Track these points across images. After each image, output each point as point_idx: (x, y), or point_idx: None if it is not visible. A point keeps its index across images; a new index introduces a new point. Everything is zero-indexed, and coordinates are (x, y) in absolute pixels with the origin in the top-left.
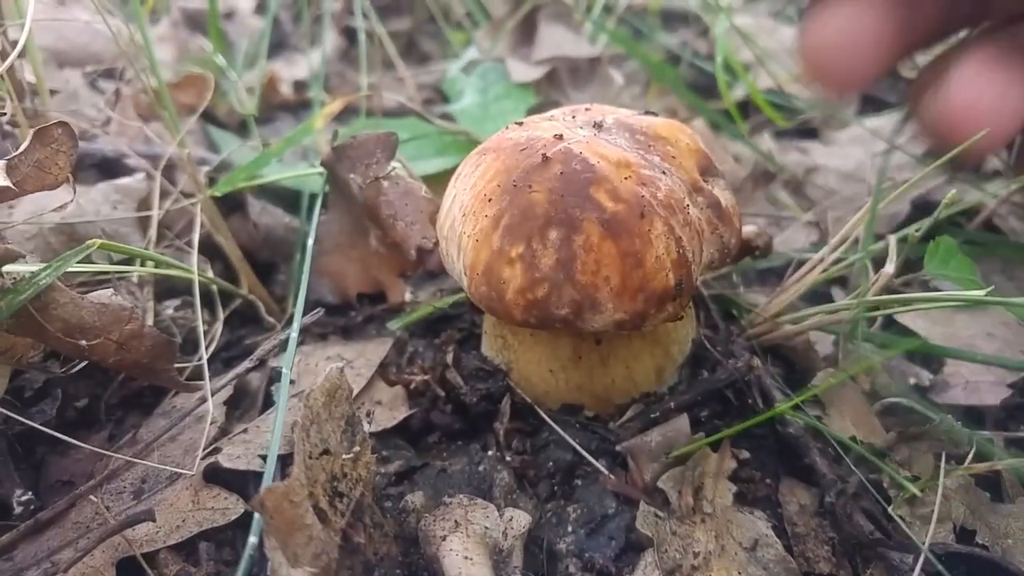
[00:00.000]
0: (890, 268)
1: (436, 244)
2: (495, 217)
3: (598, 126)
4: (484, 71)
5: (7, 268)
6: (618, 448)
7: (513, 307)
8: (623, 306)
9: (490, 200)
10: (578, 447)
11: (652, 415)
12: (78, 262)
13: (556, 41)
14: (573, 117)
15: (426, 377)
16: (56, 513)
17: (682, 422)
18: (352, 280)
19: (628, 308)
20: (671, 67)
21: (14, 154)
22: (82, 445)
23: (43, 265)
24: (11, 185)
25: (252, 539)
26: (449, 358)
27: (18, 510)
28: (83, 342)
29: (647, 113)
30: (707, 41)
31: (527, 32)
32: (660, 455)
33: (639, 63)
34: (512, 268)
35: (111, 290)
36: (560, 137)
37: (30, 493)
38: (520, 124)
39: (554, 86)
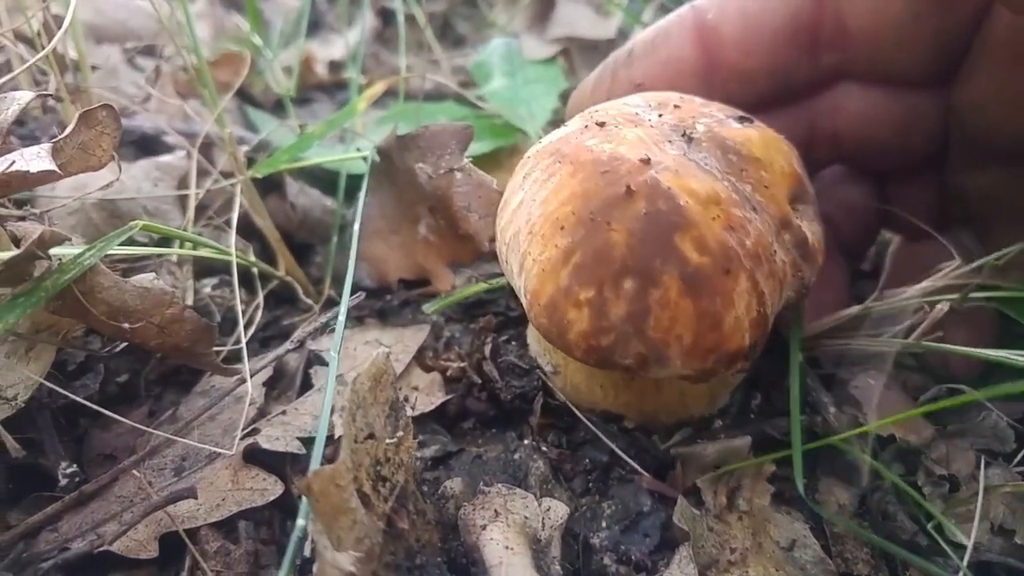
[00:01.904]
0: None
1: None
2: (566, 250)
3: (688, 138)
4: (509, 53)
5: (53, 250)
6: (672, 452)
7: (573, 347)
8: (691, 364)
9: (563, 228)
10: (616, 449)
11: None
12: (120, 243)
13: (572, 19)
14: (660, 116)
15: (463, 364)
16: (100, 486)
17: (743, 443)
18: (393, 266)
19: (696, 366)
20: None
21: (60, 137)
22: (125, 420)
23: (87, 247)
24: (56, 168)
25: (300, 521)
26: (487, 350)
27: (63, 482)
28: (126, 325)
29: (743, 119)
30: None
31: (546, 8)
32: (711, 468)
33: None
34: (579, 311)
35: (153, 274)
36: (647, 162)
37: (75, 466)
38: (601, 125)
39: (567, 65)
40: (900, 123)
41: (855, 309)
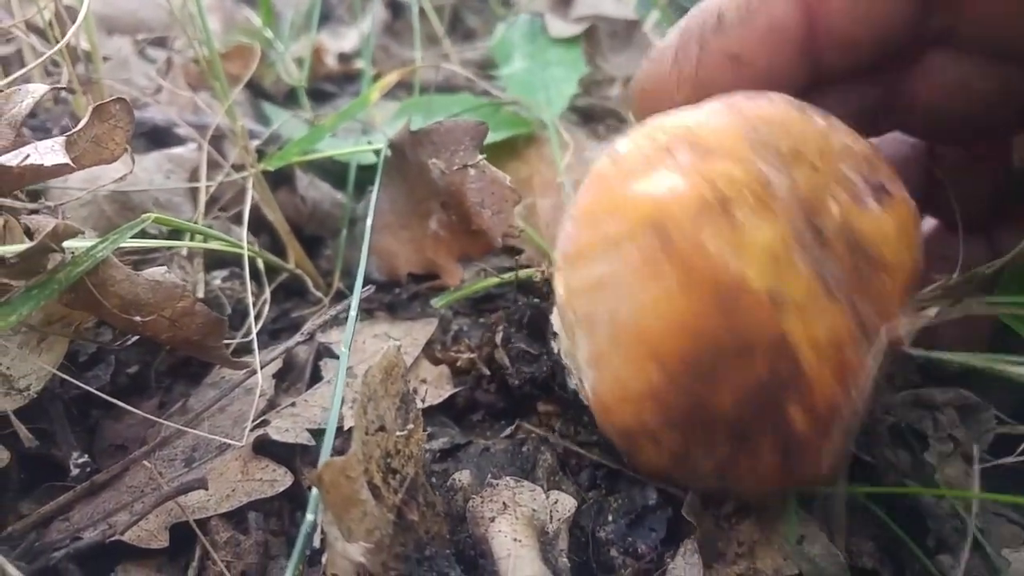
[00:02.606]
0: None
1: (520, 232)
2: (658, 388)
3: (820, 235)
4: (532, 31)
5: (66, 243)
6: None
7: (640, 469)
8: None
9: (660, 363)
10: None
11: None
12: (132, 236)
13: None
14: (791, 181)
15: (472, 356)
16: (111, 476)
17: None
18: (403, 260)
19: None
20: None
21: (73, 130)
22: (136, 411)
23: (99, 239)
24: (69, 162)
25: (309, 516)
26: (499, 338)
27: (75, 472)
28: (138, 318)
29: (880, 192)
30: None
31: None
32: None
33: None
34: (658, 451)
35: (165, 268)
36: (776, 303)
37: (86, 456)
38: (723, 203)
39: (592, 46)
40: (995, 97)
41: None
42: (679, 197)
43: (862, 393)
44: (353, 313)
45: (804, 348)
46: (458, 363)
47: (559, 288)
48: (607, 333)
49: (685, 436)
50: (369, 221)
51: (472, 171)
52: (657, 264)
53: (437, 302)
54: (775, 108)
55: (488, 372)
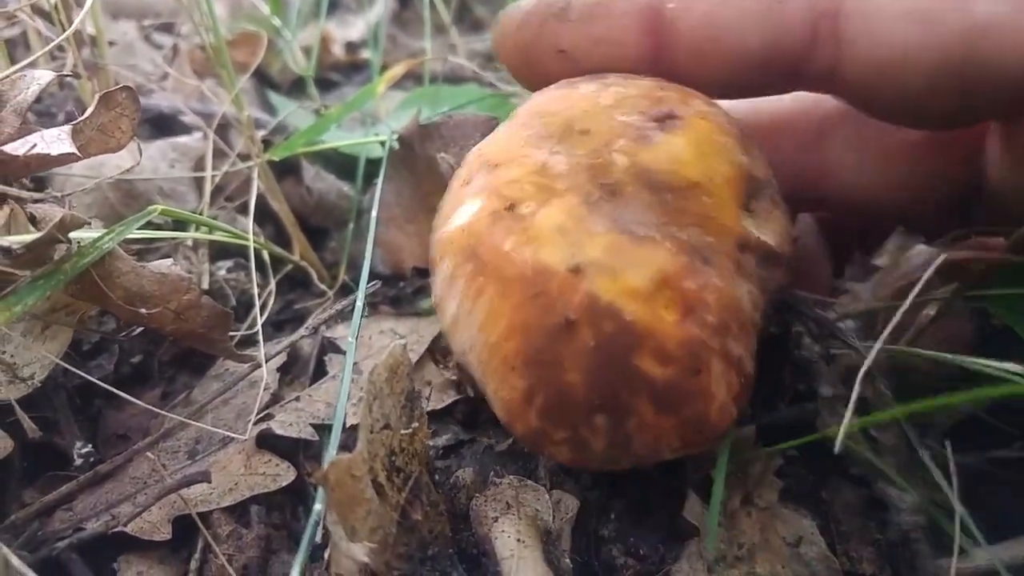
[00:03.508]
0: None
1: None
2: (525, 393)
3: (611, 192)
4: None
5: (72, 233)
6: None
7: (565, 463)
8: (686, 452)
9: (513, 368)
10: None
11: None
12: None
13: None
14: (569, 156)
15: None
16: (114, 467)
17: (749, 431)
18: (408, 254)
19: (691, 451)
20: None
21: (79, 119)
22: (138, 402)
23: (105, 231)
24: (75, 151)
25: (317, 506)
26: None
27: (78, 461)
28: (143, 310)
29: (666, 120)
30: None
31: None
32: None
33: None
34: (559, 447)
35: (170, 260)
36: (576, 271)
37: (90, 446)
38: (511, 208)
39: None
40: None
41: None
42: (477, 219)
43: (737, 314)
44: (359, 308)
45: (623, 301)
46: (455, 377)
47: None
48: (476, 361)
49: (568, 425)
50: (374, 214)
51: None
52: (478, 284)
53: (428, 304)
54: (555, 94)
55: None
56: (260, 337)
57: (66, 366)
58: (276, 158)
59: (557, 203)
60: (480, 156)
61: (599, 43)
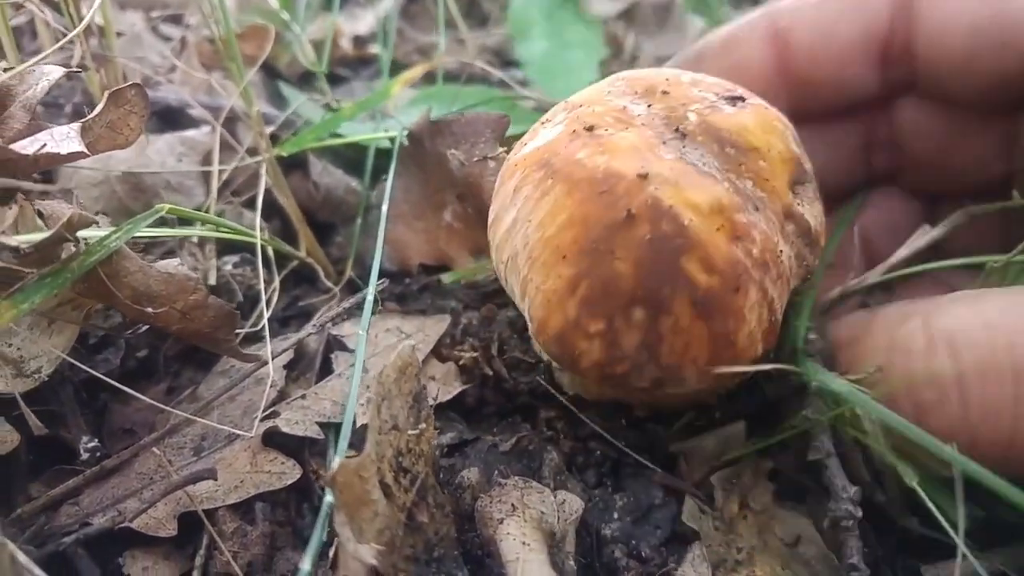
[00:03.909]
0: None
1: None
2: (571, 281)
3: (682, 134)
4: (551, 9)
5: (80, 232)
6: (671, 449)
7: (587, 374)
8: (707, 380)
9: (565, 257)
10: (623, 447)
11: (702, 422)
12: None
13: None
14: (649, 106)
15: (475, 355)
16: (120, 462)
17: (738, 428)
18: (415, 250)
19: (713, 382)
20: None
21: (89, 116)
22: (143, 398)
23: (113, 229)
24: (85, 149)
25: (328, 498)
26: (494, 348)
27: (84, 456)
28: (149, 309)
29: (735, 100)
30: None
31: None
32: (713, 459)
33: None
34: (590, 342)
35: (177, 260)
36: (645, 177)
37: (96, 440)
38: (589, 129)
39: (632, 24)
40: (961, 146)
41: (854, 283)
42: (555, 138)
43: (776, 260)
44: (368, 304)
45: (682, 208)
46: (462, 361)
47: (494, 260)
48: (525, 260)
49: (606, 314)
50: (384, 209)
51: (492, 163)
52: (545, 187)
53: (447, 278)
54: (637, 72)
55: (491, 372)
56: (267, 334)
57: (72, 361)
58: (285, 153)
59: (633, 131)
60: (563, 104)
61: (733, 70)
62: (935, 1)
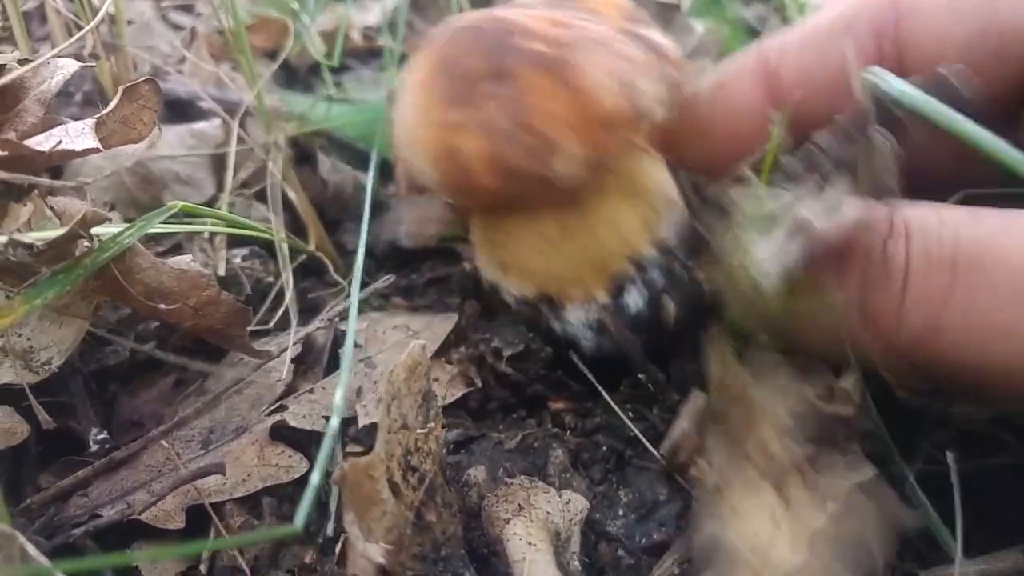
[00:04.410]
0: None
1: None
2: (432, 91)
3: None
4: None
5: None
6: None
7: (482, 176)
8: (584, 138)
9: (430, 83)
10: (636, 431)
11: None
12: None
13: None
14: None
15: (471, 365)
16: (129, 454)
17: None
18: (434, 225)
19: (590, 139)
20: (749, 39)
21: (103, 112)
22: (166, 378)
23: (126, 226)
24: (98, 145)
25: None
26: (489, 357)
27: (93, 448)
28: (162, 305)
29: None
30: (782, 19)
31: None
32: None
33: (715, 29)
34: (465, 133)
35: (190, 256)
36: (480, 20)
37: (105, 432)
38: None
39: None
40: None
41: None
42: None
43: (614, 43)
44: (354, 307)
45: (516, 16)
46: (460, 369)
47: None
48: (409, 118)
49: (465, 98)
50: (366, 204)
51: None
52: (413, 60)
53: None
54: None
55: (480, 384)
56: (292, 325)
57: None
58: (292, 132)
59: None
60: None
61: (728, 113)
62: (921, 23)
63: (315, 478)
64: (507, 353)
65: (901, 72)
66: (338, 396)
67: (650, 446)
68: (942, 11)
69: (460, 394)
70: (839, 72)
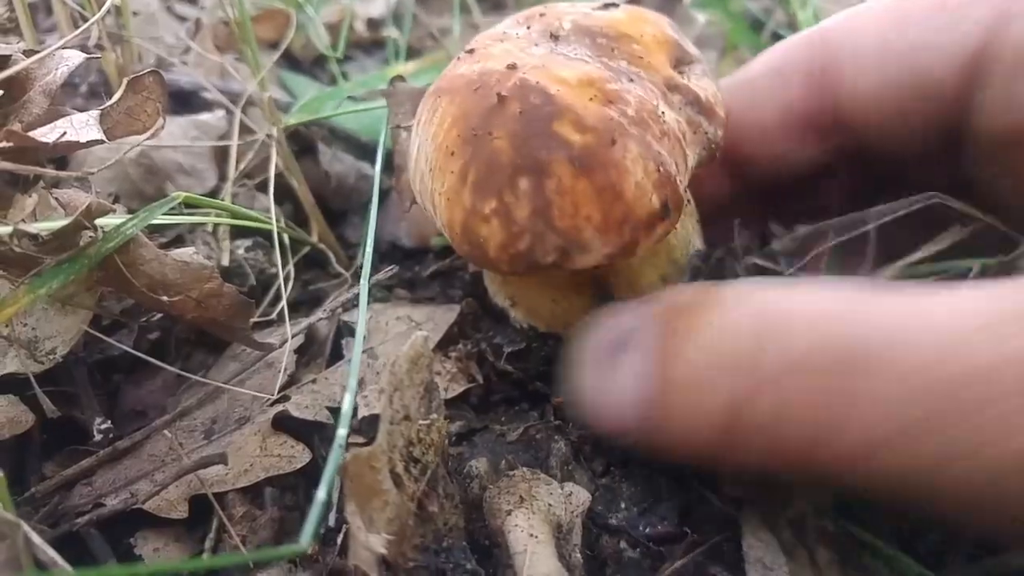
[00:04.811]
0: None
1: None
2: (461, 173)
3: (555, 37)
4: None
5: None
6: None
7: (498, 262)
8: (611, 241)
9: (453, 154)
10: None
11: None
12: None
13: None
14: (528, 28)
15: (469, 362)
16: (133, 444)
17: None
18: (433, 225)
19: (616, 241)
20: (753, 32)
21: (108, 103)
22: (169, 368)
23: (129, 216)
24: (103, 137)
25: (321, 495)
26: (489, 355)
27: (97, 437)
28: (165, 297)
29: (608, 6)
30: (787, 13)
31: None
32: None
33: (720, 23)
34: (489, 225)
35: (193, 248)
36: (513, 67)
37: (109, 422)
38: (471, 52)
39: None
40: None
41: None
42: (443, 71)
43: (658, 121)
44: (363, 300)
45: (549, 83)
46: (460, 366)
47: (419, 200)
48: (428, 175)
49: (495, 191)
50: (375, 199)
51: (404, 133)
52: (436, 105)
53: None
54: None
55: (481, 380)
56: (286, 317)
57: (95, 333)
58: (292, 122)
59: (509, 42)
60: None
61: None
62: (852, 68)
63: (321, 493)
64: (508, 350)
65: (834, 109)
66: (346, 403)
67: None
68: (871, 59)
69: (462, 389)
70: (768, 117)
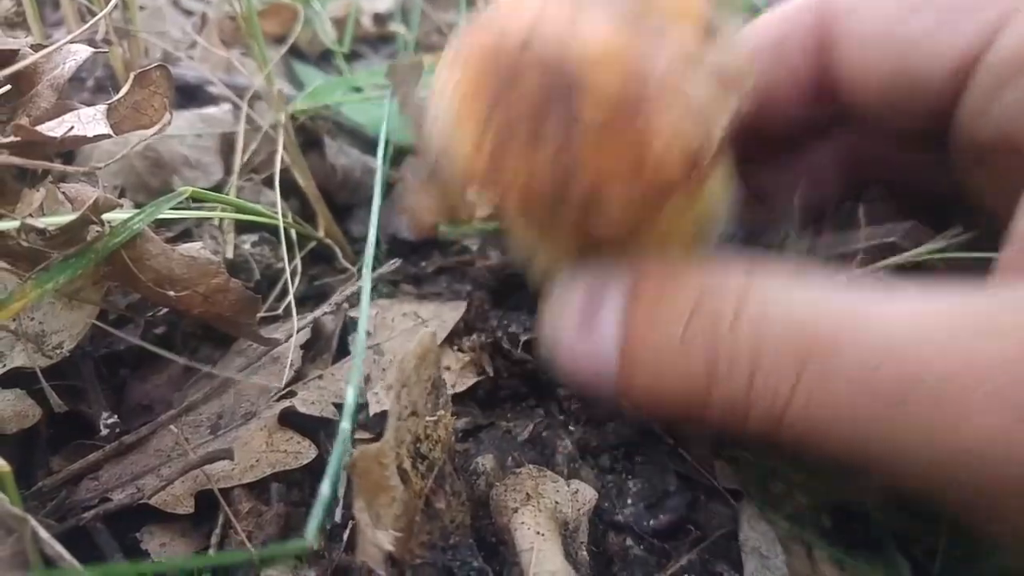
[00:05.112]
0: None
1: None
2: (485, 118)
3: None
4: None
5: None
6: None
7: (521, 208)
8: (635, 194)
9: (476, 99)
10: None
11: None
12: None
13: None
14: None
15: (482, 353)
16: (139, 438)
17: None
18: (431, 212)
19: (639, 196)
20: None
21: (115, 98)
22: (176, 358)
23: (136, 211)
24: (110, 131)
25: (325, 490)
26: (505, 343)
27: (104, 432)
28: (171, 293)
29: None
30: None
31: None
32: None
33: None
34: (513, 169)
35: (200, 243)
36: (540, 18)
37: (115, 416)
38: (486, 16)
39: None
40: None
41: None
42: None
43: (681, 75)
44: (366, 296)
45: (576, 35)
46: (471, 359)
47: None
48: (448, 124)
49: (520, 135)
50: (377, 190)
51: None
52: (457, 65)
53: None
54: None
55: (492, 372)
56: (293, 312)
57: (102, 326)
58: (297, 115)
59: (532, 6)
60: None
61: None
62: (852, 51)
63: (325, 489)
64: (524, 339)
65: (829, 84)
66: (349, 398)
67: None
68: (870, 50)
69: (471, 383)
70: (763, 89)
